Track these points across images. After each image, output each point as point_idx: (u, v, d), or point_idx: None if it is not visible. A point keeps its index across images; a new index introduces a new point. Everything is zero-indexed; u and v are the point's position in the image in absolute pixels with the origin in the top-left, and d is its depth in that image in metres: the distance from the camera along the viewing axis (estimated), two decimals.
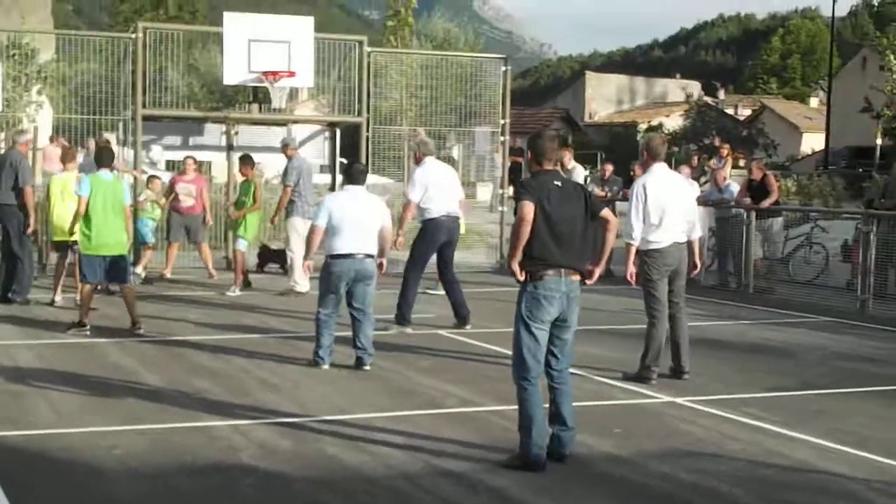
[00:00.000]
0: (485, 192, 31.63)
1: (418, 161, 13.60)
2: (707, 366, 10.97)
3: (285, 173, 16.57)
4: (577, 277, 7.33)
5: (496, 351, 11.70)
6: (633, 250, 10.17)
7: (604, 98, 73.49)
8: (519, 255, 7.20)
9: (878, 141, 39.76)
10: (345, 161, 18.04)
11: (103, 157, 12.65)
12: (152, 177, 18.53)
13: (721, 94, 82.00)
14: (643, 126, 61.04)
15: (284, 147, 16.70)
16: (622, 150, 48.22)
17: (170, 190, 18.01)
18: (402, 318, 13.14)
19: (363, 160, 20.03)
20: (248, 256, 17.37)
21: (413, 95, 23.31)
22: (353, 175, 10.92)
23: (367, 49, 20.37)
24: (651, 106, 72.75)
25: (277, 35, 18.91)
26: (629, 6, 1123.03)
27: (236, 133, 19.92)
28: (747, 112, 73.03)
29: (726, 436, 8.24)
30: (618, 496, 6.71)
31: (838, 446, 7.96)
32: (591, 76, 78.59)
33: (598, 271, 7.55)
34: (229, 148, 19.89)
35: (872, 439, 8.21)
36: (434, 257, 13.61)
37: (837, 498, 6.73)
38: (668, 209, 10.13)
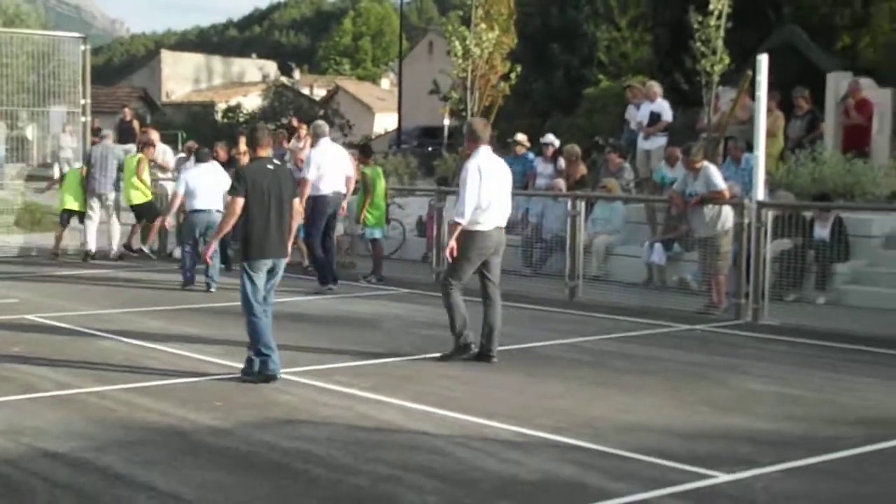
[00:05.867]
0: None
1: (313, 142, 15.71)
2: (298, 339, 11.46)
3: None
4: None
5: (85, 332, 11.71)
6: (459, 229, 10.29)
7: (181, 77, 72.71)
8: None
9: (446, 121, 41.89)
10: None
11: None
12: None
13: (297, 75, 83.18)
14: (222, 106, 61.02)
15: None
16: (203, 130, 48.03)
17: None
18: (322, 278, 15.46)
19: None
20: None
21: None
22: (199, 156, 16.46)
23: None
24: (229, 86, 72.76)
25: None
26: None
27: None
28: (323, 92, 74.59)
29: (320, 403, 8.75)
30: (224, 466, 7.01)
31: (423, 406, 8.64)
32: (167, 55, 77.44)
33: None
34: None
35: (453, 399, 8.95)
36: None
37: (425, 453, 7.34)
38: (495, 192, 10.31)
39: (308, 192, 14.84)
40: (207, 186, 15.59)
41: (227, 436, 7.73)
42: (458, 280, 10.53)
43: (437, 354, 10.69)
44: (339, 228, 17.97)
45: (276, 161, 10.03)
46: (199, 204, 15.55)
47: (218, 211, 14.77)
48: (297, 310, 13.79)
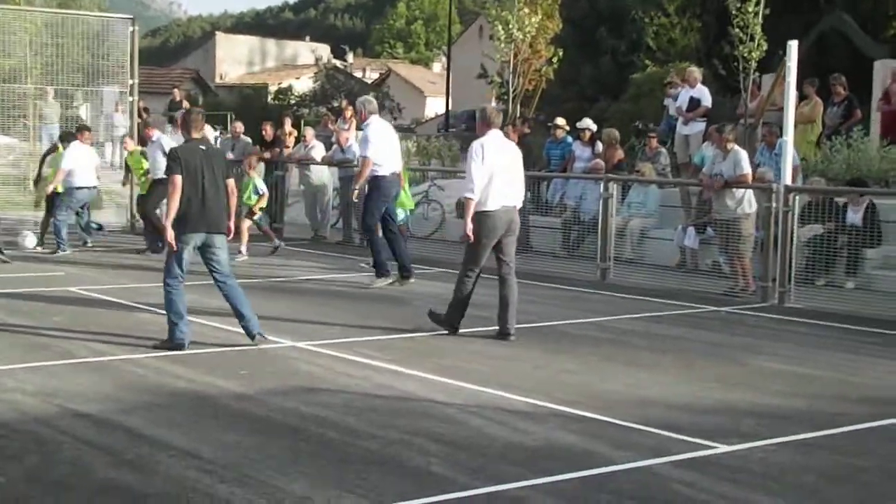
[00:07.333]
0: (116, 152, 31.30)
1: (364, 119, 14.20)
2: (328, 314, 11.80)
3: None
4: None
5: (124, 304, 12.09)
6: (472, 206, 10.62)
7: (235, 59, 73.33)
8: None
9: (493, 105, 42.09)
10: None
11: None
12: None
13: (350, 58, 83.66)
14: (273, 88, 61.58)
15: None
16: (253, 112, 48.54)
17: None
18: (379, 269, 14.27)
19: None
20: None
21: (38, 53, 22.86)
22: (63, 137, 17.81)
23: None
24: (282, 68, 73.29)
25: None
26: None
27: None
28: (375, 76, 74.98)
29: (341, 373, 9.05)
30: (243, 428, 7.32)
31: (441, 378, 8.92)
32: (221, 37, 78.12)
33: None
34: None
35: (472, 372, 9.23)
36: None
37: (437, 421, 7.62)
38: (497, 173, 10.62)
39: (368, 171, 13.96)
40: (86, 165, 17.09)
41: (248, 401, 8.06)
42: (475, 267, 10.85)
43: (466, 330, 10.99)
44: None
45: (209, 142, 10.48)
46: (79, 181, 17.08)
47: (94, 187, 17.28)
48: (330, 286, 14.14)
